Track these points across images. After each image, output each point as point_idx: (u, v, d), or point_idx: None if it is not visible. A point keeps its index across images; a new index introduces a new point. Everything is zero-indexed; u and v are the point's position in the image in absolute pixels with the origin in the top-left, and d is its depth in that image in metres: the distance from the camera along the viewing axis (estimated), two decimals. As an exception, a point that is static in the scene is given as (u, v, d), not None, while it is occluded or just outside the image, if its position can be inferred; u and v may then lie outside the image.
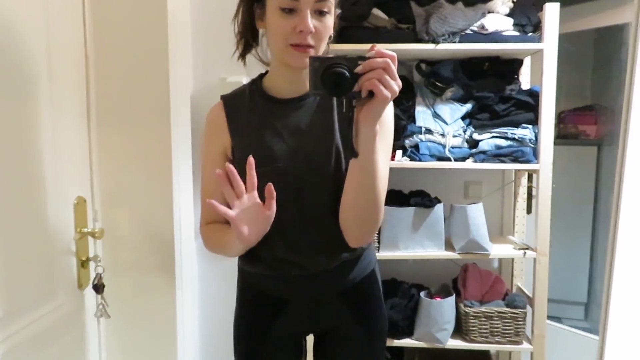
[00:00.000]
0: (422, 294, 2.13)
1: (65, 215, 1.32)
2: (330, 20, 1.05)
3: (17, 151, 1.13)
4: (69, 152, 1.33)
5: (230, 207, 1.00)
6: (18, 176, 1.13)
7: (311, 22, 1.01)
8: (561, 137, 3.35)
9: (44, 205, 1.23)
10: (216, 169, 1.00)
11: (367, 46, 0.92)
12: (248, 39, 1.15)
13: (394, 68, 0.88)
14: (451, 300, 2.07)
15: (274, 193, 0.99)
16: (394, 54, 0.89)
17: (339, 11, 1.12)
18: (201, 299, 1.71)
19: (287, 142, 1.10)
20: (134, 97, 1.43)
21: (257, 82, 1.18)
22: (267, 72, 1.19)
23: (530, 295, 2.10)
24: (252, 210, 1.00)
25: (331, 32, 1.07)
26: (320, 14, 1.03)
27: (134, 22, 1.42)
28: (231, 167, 0.98)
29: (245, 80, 1.61)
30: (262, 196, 1.01)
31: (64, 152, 1.30)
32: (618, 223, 0.81)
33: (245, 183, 1.00)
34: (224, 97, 1.19)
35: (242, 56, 1.18)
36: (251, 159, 0.99)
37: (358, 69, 0.88)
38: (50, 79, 1.24)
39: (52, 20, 1.24)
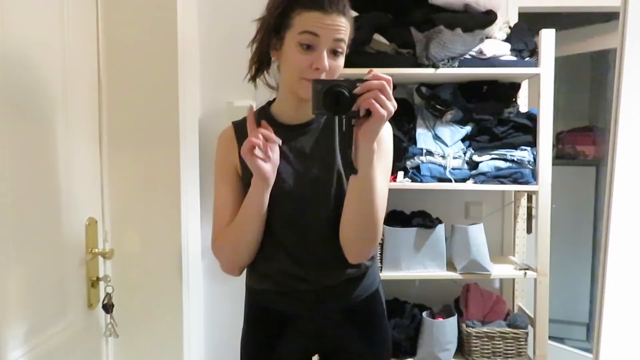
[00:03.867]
0: (424, 314, 2.15)
1: (77, 235, 1.35)
2: (341, 60, 1.11)
3: (33, 173, 1.17)
4: (82, 174, 1.37)
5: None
6: (33, 197, 1.17)
7: (327, 61, 1.07)
8: (560, 158, 3.40)
9: (57, 226, 1.26)
10: (228, 186, 1.10)
11: (367, 70, 0.98)
12: (261, 64, 1.20)
13: (389, 89, 0.96)
14: (453, 320, 2.09)
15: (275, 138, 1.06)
16: (389, 77, 0.96)
17: (348, 50, 1.17)
18: (207, 318, 1.73)
19: (292, 164, 1.15)
20: (144, 121, 1.48)
21: (265, 109, 1.24)
22: (274, 99, 1.25)
23: (532, 315, 2.12)
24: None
25: (340, 71, 1.13)
26: (334, 53, 1.09)
27: (145, 50, 1.47)
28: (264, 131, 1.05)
29: (251, 104, 1.66)
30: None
31: (76, 174, 1.34)
32: (609, 242, 0.84)
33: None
34: (234, 123, 1.25)
35: (253, 79, 1.23)
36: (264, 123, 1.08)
37: (356, 90, 0.95)
38: (65, 104, 1.29)
39: (67, 48, 1.29)
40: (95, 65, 1.44)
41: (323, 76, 1.08)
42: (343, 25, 1.08)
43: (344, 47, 1.10)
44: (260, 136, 1.04)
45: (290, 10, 1.09)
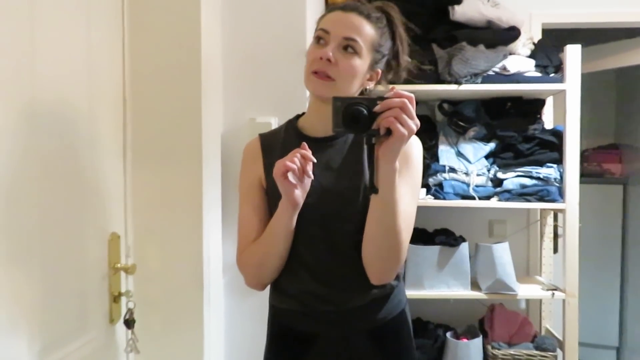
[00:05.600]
0: (448, 334, 2.10)
1: (100, 250, 1.35)
2: (357, 62, 1.10)
3: (58, 188, 1.18)
4: (106, 189, 1.38)
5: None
6: (58, 211, 1.17)
7: (334, 54, 1.07)
8: (585, 176, 3.33)
9: (81, 241, 1.27)
10: (253, 199, 1.10)
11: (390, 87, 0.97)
12: None
13: (411, 108, 0.93)
14: (478, 341, 2.04)
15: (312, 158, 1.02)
16: (412, 95, 0.94)
17: (383, 67, 1.17)
18: (228, 335, 1.72)
19: (317, 178, 1.13)
20: (167, 137, 1.49)
21: (292, 122, 1.24)
22: (303, 113, 1.25)
23: (560, 337, 2.06)
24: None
25: (358, 74, 1.12)
26: (346, 50, 1.09)
27: (168, 67, 1.49)
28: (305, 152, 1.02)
29: (273, 120, 1.66)
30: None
31: (100, 190, 1.35)
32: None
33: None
34: (261, 135, 1.25)
35: None
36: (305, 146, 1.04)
37: (376, 108, 0.93)
38: (91, 121, 1.30)
39: (93, 67, 1.31)
40: (120, 83, 1.46)
41: (329, 71, 1.08)
42: (357, 25, 1.09)
43: (358, 48, 1.09)
44: (297, 161, 1.01)
45: (320, 18, 1.16)
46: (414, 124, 0.93)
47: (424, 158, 2.09)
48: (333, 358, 1.18)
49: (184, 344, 1.51)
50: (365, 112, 0.93)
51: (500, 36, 2.05)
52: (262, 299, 1.28)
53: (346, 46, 1.09)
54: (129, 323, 1.39)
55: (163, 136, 1.49)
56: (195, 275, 1.50)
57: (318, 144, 1.16)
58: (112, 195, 1.42)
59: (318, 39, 1.11)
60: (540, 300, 2.34)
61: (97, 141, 1.34)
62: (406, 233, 1.07)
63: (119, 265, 1.40)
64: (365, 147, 1.14)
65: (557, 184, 2.01)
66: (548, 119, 2.33)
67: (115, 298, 1.39)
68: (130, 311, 1.40)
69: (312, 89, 1.12)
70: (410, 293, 2.03)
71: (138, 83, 1.49)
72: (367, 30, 1.10)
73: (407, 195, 1.07)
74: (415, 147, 1.14)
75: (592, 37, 2.75)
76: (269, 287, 1.24)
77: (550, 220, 2.36)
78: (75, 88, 1.25)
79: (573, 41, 2.01)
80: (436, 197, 2.07)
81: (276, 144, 1.20)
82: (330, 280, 1.14)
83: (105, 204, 1.38)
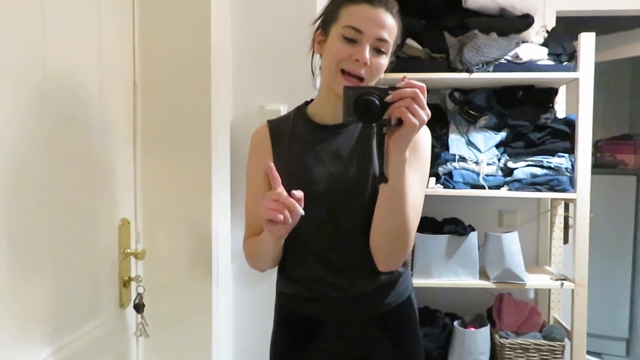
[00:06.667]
0: (455, 323, 2.11)
1: (111, 236, 1.37)
2: (385, 60, 1.10)
3: (69, 174, 1.19)
4: (116, 175, 1.39)
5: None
6: (69, 197, 1.19)
7: (368, 55, 1.06)
8: (598, 166, 3.30)
9: (91, 227, 1.28)
10: (259, 186, 1.06)
11: (401, 75, 0.96)
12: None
13: (422, 98, 0.93)
14: (486, 330, 2.04)
15: (302, 194, 0.99)
16: (423, 85, 0.93)
17: (393, 58, 1.16)
18: (236, 320, 1.73)
19: (326, 166, 1.13)
20: (177, 124, 1.50)
21: (301, 109, 1.23)
22: (312, 100, 1.24)
23: (568, 327, 2.05)
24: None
25: (383, 70, 1.11)
26: (377, 52, 1.08)
27: (178, 54, 1.49)
28: (270, 165, 1.00)
29: (282, 108, 1.66)
30: (299, 223, 1.03)
31: (111, 176, 1.36)
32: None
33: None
34: (270, 121, 1.25)
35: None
36: (299, 194, 0.99)
37: (388, 98, 0.93)
38: (101, 107, 1.31)
39: (104, 52, 1.32)
40: (130, 69, 1.47)
41: (362, 72, 1.07)
42: (388, 24, 1.07)
43: (388, 48, 1.09)
44: (285, 213, 0.96)
45: (339, 4, 1.09)
46: (425, 114, 0.94)
47: (434, 147, 2.08)
48: (339, 343, 1.19)
49: (193, 329, 1.53)
50: (377, 102, 0.94)
51: (513, 24, 2.02)
52: (270, 285, 1.30)
53: (378, 47, 1.07)
54: (139, 307, 1.41)
55: (173, 123, 1.50)
56: (204, 260, 1.52)
57: (327, 131, 1.16)
58: (122, 181, 1.43)
59: (348, 39, 1.06)
60: (549, 291, 2.33)
61: (108, 127, 1.35)
62: (414, 221, 1.07)
63: (128, 250, 1.42)
64: (374, 136, 1.14)
65: (569, 174, 1.99)
66: (561, 108, 2.30)
67: (125, 283, 1.41)
68: (139, 296, 1.42)
69: (339, 90, 1.04)
70: (419, 281, 2.04)
71: (148, 69, 1.49)
72: (394, 29, 1.10)
73: (415, 184, 1.07)
74: (424, 136, 1.14)
75: (607, 25, 2.70)
76: (276, 273, 1.25)
77: (561, 210, 2.34)
78: (86, 74, 1.26)
79: (587, 29, 1.98)
80: (446, 186, 2.06)
81: (285, 131, 1.20)
82: (337, 267, 1.15)
83: (115, 189, 1.39)
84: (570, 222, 2.26)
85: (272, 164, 1.00)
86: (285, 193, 0.98)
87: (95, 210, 1.30)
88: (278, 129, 1.22)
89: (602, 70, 2.32)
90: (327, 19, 1.12)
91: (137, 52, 1.48)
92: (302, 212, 0.99)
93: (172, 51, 1.49)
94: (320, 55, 1.16)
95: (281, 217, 0.97)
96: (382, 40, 1.07)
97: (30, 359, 1.06)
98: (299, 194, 0.99)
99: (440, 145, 2.12)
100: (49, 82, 1.11)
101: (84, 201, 1.25)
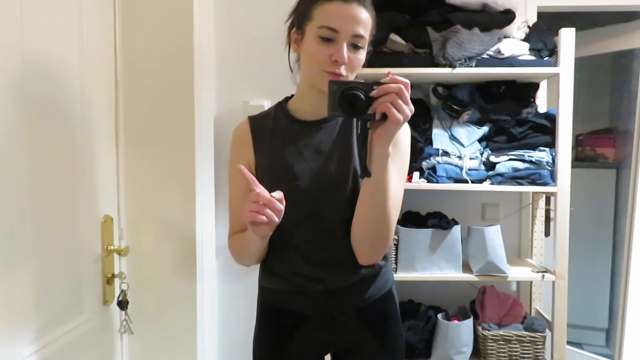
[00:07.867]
0: (439, 316, 2.13)
1: (93, 233, 1.36)
2: (362, 54, 1.11)
3: (51, 170, 1.18)
4: (98, 172, 1.39)
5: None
6: (51, 194, 1.18)
7: (346, 53, 1.06)
8: (579, 160, 3.35)
9: (74, 223, 1.27)
10: (242, 183, 1.04)
11: (385, 70, 0.97)
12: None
13: (406, 93, 0.94)
14: (469, 322, 2.07)
15: (282, 195, 1.00)
16: (407, 80, 0.95)
17: (370, 48, 1.16)
18: (221, 316, 1.74)
19: (307, 161, 1.14)
20: (160, 119, 1.49)
21: (282, 105, 1.24)
22: (292, 95, 1.24)
23: (549, 319, 2.08)
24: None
25: (362, 64, 1.12)
26: (354, 47, 1.08)
27: (161, 49, 1.48)
28: (242, 168, 1.00)
29: (266, 103, 1.66)
30: (284, 218, 1.04)
31: (93, 172, 1.36)
32: (632, 245, 0.82)
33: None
34: (250, 117, 1.25)
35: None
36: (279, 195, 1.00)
37: (373, 93, 0.94)
38: (83, 103, 1.30)
39: (85, 48, 1.30)
40: (112, 64, 1.45)
41: (342, 70, 1.07)
42: (363, 18, 1.07)
43: (364, 43, 1.10)
44: (268, 212, 0.97)
45: (312, 1, 1.09)
46: (409, 109, 0.95)
47: (418, 141, 2.09)
48: (321, 336, 1.21)
49: (178, 325, 1.53)
50: (362, 96, 0.95)
51: (495, 19, 2.03)
52: (255, 281, 1.30)
53: (354, 43, 1.08)
54: (123, 304, 1.41)
55: (156, 118, 1.49)
56: (189, 256, 1.52)
57: (308, 127, 1.17)
58: (104, 177, 1.42)
59: (324, 39, 1.06)
60: (531, 283, 2.36)
61: (90, 122, 1.34)
62: (395, 215, 1.09)
63: (112, 247, 1.41)
64: (355, 130, 1.15)
65: (549, 168, 2.02)
66: (542, 103, 2.33)
67: (109, 280, 1.41)
68: (123, 293, 1.41)
69: (324, 88, 1.02)
70: (403, 275, 2.05)
71: (130, 64, 1.48)
72: (369, 22, 1.10)
73: (395, 178, 1.08)
74: (404, 132, 1.15)
75: (587, 20, 2.74)
76: (258, 268, 1.26)
77: (542, 203, 2.37)
78: (67, 68, 1.24)
79: (569, 25, 2.00)
80: (429, 181, 2.07)
81: (266, 127, 1.21)
82: (319, 261, 1.16)
83: (98, 186, 1.38)
84: (552, 215, 2.29)
85: (243, 167, 1.00)
86: (264, 192, 0.98)
87: (77, 207, 1.29)
88: (259, 125, 1.22)
89: (583, 65, 2.35)
90: (301, 18, 1.12)
91: (118, 47, 1.47)
92: (282, 208, 1.00)
93: (155, 46, 1.48)
94: (298, 54, 1.16)
95: (264, 218, 0.97)
96: (358, 36, 1.07)
97: (13, 357, 1.05)
98: (278, 194, 0.99)
99: (424, 140, 2.13)
100: (29, 77, 1.09)
101: (66, 198, 1.24)
